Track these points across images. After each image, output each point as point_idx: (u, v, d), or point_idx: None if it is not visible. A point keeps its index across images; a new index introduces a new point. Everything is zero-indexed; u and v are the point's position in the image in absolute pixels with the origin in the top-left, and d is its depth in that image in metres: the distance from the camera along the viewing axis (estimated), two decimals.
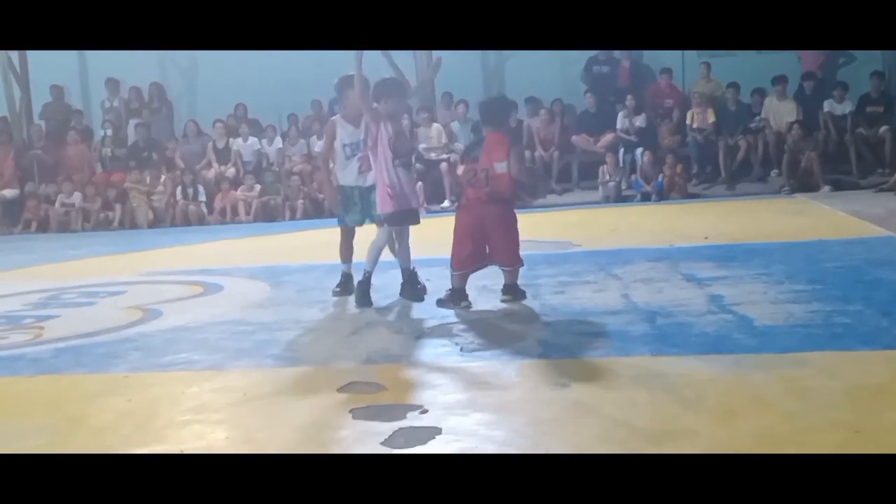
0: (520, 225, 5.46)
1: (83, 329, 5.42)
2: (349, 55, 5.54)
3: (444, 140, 13.33)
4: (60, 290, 7.15)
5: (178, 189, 13.84)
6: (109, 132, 14.86)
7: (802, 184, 12.06)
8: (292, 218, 13.10)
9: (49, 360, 4.66)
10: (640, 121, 13.44)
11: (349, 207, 5.99)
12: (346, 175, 5.97)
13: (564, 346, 4.23)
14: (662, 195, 12.44)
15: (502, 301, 5.40)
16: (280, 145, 14.16)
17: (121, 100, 15.25)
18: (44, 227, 13.88)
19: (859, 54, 13.43)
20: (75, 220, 13.75)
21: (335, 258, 6.17)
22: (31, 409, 3.78)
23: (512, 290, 5.44)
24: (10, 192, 14.44)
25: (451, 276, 5.45)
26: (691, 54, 13.76)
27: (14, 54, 14.78)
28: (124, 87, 15.17)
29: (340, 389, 3.72)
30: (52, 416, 3.63)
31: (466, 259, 5.41)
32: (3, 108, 15.07)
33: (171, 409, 3.64)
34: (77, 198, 13.91)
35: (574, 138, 13.68)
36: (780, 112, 12.99)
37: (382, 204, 5.56)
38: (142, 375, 4.23)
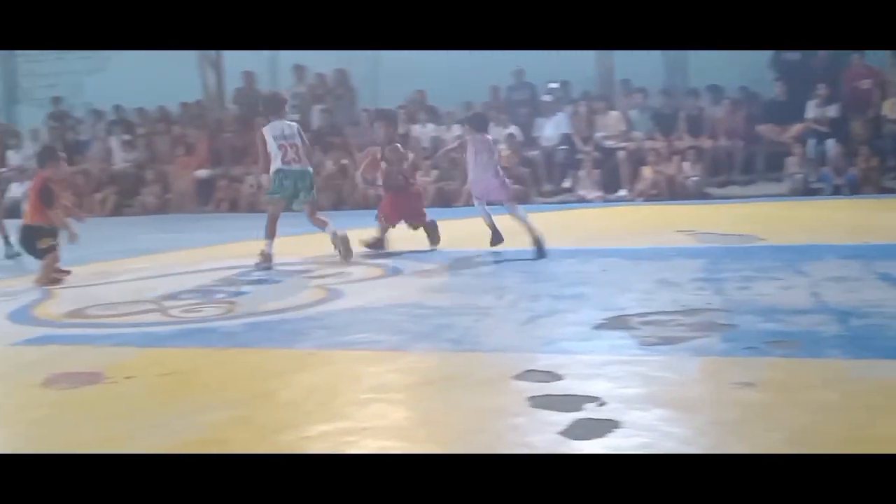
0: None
1: (271, 306, 5.67)
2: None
3: (622, 128, 13.12)
4: (250, 268, 7.49)
5: (358, 174, 14.23)
6: (295, 117, 15.44)
7: None
8: (468, 204, 13.22)
9: (240, 335, 4.90)
10: (832, 111, 12.79)
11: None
12: None
13: (749, 344, 4.08)
14: (855, 189, 11.81)
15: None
16: (458, 132, 14.31)
17: (306, 86, 15.81)
18: (234, 206, 14.59)
19: None
20: (263, 201, 14.35)
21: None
22: (223, 382, 3.97)
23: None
24: (203, 173, 15.25)
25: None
26: None
27: None
28: (310, 73, 15.71)
29: (517, 377, 3.73)
30: (243, 389, 3.81)
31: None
32: (199, 93, 15.91)
33: (353, 387, 3.75)
34: (265, 179, 14.52)
35: (760, 128, 13.17)
36: None
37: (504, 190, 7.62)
38: (326, 353, 4.38)
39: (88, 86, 17.71)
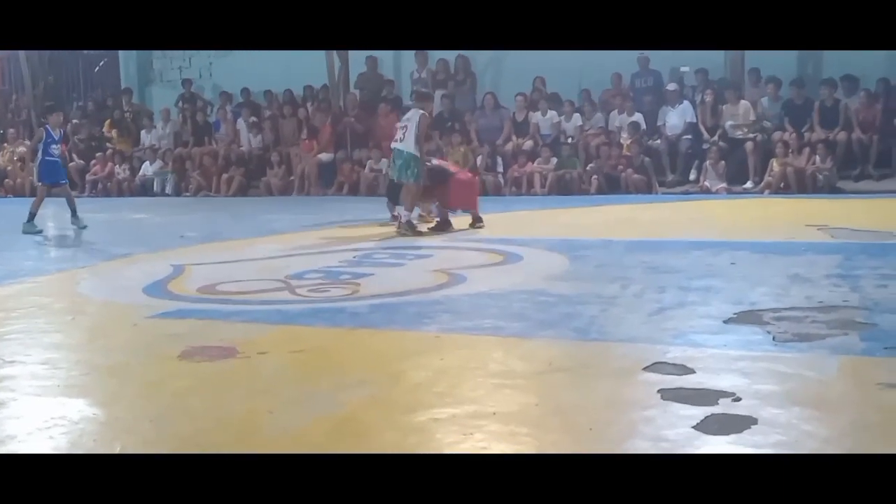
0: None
1: (395, 288, 5.73)
2: None
3: (751, 118, 12.76)
4: (372, 250, 7.60)
5: (478, 159, 14.23)
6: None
7: None
8: (586, 192, 13.09)
9: (366, 315, 4.98)
10: None
11: None
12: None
13: (890, 343, 3.92)
14: None
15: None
16: (579, 121, 14.15)
17: (428, 71, 15.87)
18: (354, 189, 14.79)
19: None
20: (383, 185, 14.52)
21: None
22: (354, 361, 4.04)
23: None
24: (325, 156, 15.49)
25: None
26: None
27: None
28: (433, 58, 15.76)
29: (646, 368, 3.68)
30: (373, 369, 3.86)
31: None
32: (325, 77, 16.14)
33: (480, 372, 3.75)
34: (384, 164, 14.67)
35: None
36: None
37: None
38: (451, 337, 4.40)
39: (217, 69, 18.18)
